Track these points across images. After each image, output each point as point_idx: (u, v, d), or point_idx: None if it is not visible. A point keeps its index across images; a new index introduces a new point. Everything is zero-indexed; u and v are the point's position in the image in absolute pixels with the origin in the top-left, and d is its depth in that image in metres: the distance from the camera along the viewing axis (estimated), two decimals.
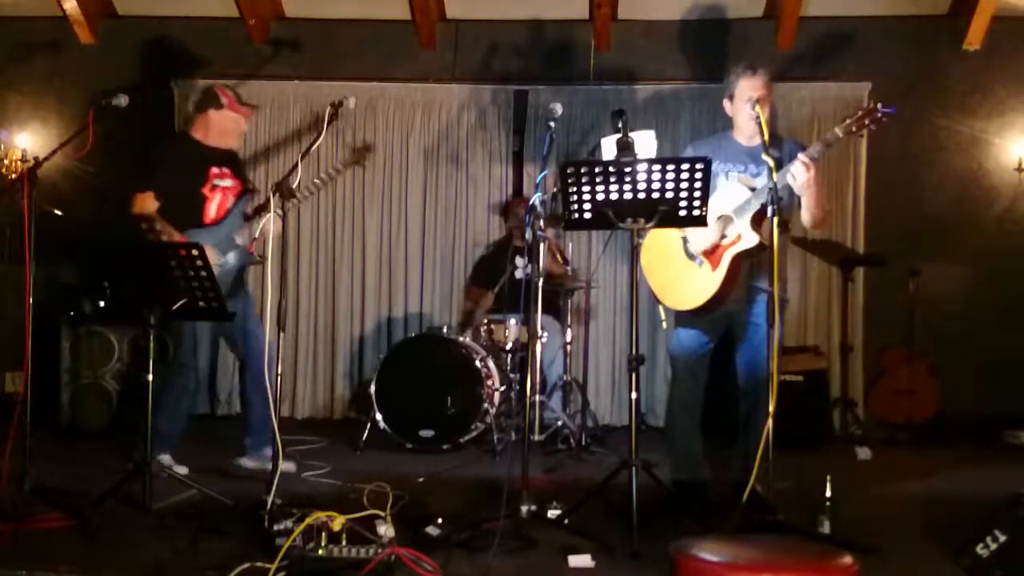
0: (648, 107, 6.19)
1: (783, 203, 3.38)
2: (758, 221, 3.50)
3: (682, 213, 3.25)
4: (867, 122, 3.38)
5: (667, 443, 3.93)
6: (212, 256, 3.66)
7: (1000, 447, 5.41)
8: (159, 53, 6.36)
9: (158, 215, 4.07)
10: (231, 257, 4.14)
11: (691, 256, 3.67)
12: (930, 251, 5.99)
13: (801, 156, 3.44)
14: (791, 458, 3.63)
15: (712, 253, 3.60)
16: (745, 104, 3.59)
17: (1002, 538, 2.76)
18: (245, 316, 4.27)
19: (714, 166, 3.62)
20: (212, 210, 4.19)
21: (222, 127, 4.27)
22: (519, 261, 4.77)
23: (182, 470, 4.07)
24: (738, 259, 3.56)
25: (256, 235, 4.04)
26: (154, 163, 4.23)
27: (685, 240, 3.69)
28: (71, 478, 3.83)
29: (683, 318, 3.80)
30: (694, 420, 3.83)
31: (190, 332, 4.13)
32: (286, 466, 3.87)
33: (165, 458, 4.06)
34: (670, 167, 3.17)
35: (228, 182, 4.27)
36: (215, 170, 4.23)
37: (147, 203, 4.08)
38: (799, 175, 3.43)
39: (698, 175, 3.17)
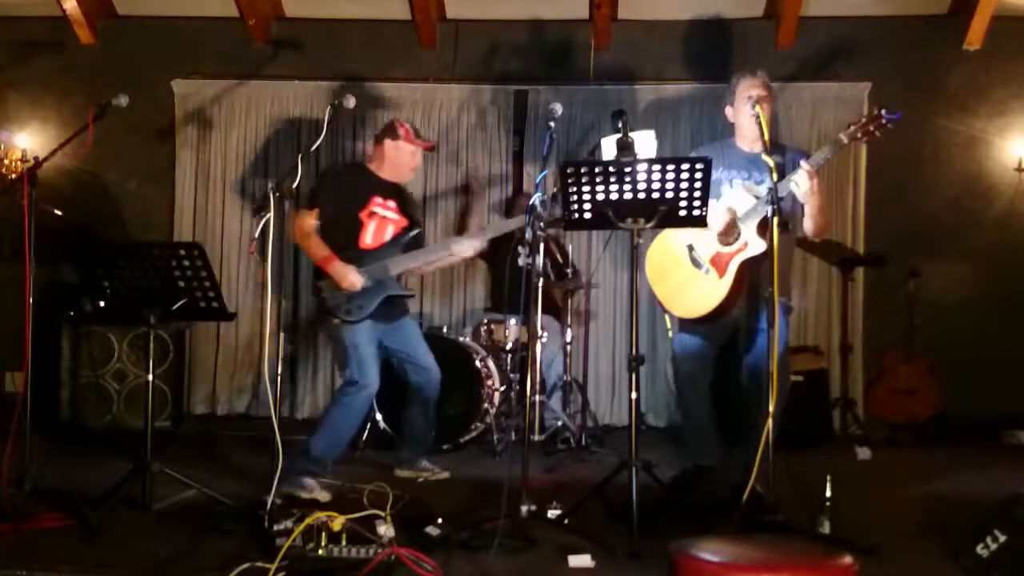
0: (648, 107, 6.19)
1: (786, 208, 3.39)
2: (764, 228, 3.49)
3: (682, 213, 3.25)
4: (872, 128, 3.38)
5: (679, 436, 3.99)
6: (355, 278, 3.92)
7: (1000, 447, 5.41)
8: (159, 53, 6.36)
9: (314, 233, 4.04)
10: (374, 283, 4.03)
11: (697, 264, 3.66)
12: (930, 251, 5.99)
13: (804, 164, 3.43)
14: (791, 458, 3.63)
15: (719, 261, 3.59)
16: (746, 104, 3.59)
17: (1002, 538, 2.76)
18: (410, 343, 4.26)
19: (717, 174, 3.63)
20: (368, 236, 4.14)
21: (396, 160, 4.20)
22: (521, 250, 4.77)
23: (324, 496, 3.75)
24: (745, 266, 3.56)
25: (257, 235, 4.03)
26: (320, 186, 4.20)
27: (691, 248, 3.67)
28: (71, 478, 3.83)
29: (686, 324, 3.80)
30: (701, 416, 3.83)
31: (353, 347, 3.99)
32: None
33: (308, 482, 3.80)
34: (670, 167, 3.17)
35: (392, 214, 4.21)
36: (378, 199, 4.17)
37: (306, 221, 4.05)
38: (802, 183, 3.43)
39: (698, 175, 3.17)
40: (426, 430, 4.42)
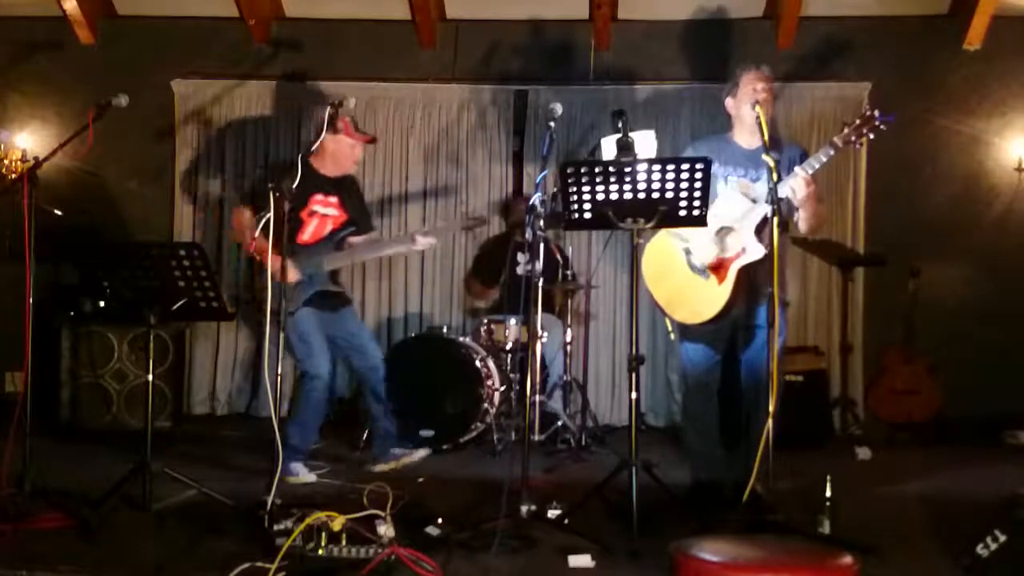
0: (648, 107, 6.19)
1: (783, 208, 3.38)
2: (761, 231, 3.48)
3: (682, 213, 3.25)
4: (865, 131, 3.38)
5: (686, 448, 3.99)
6: (292, 273, 4.00)
7: (1000, 447, 5.41)
8: (159, 53, 6.36)
9: (251, 228, 4.12)
10: (307, 277, 4.20)
11: (695, 269, 3.66)
12: (930, 251, 5.99)
13: (800, 171, 3.43)
14: (791, 458, 3.63)
15: (718, 267, 3.59)
16: (748, 98, 3.59)
17: (1002, 538, 2.76)
18: (351, 330, 4.41)
19: (714, 169, 3.62)
20: (306, 234, 4.27)
21: (337, 153, 4.31)
22: (520, 257, 4.78)
23: (311, 477, 4.17)
24: (744, 271, 3.55)
25: (257, 233, 4.04)
26: (260, 181, 4.37)
27: (688, 252, 3.66)
28: (71, 478, 3.83)
29: (689, 330, 3.79)
30: (709, 427, 3.83)
31: (298, 337, 4.16)
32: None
33: (296, 467, 4.15)
34: (670, 167, 3.17)
35: (332, 211, 4.34)
36: (319, 196, 4.29)
37: (245, 216, 4.27)
38: (799, 190, 3.44)
39: (698, 175, 3.17)
40: (387, 419, 4.52)
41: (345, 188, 4.40)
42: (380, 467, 4.42)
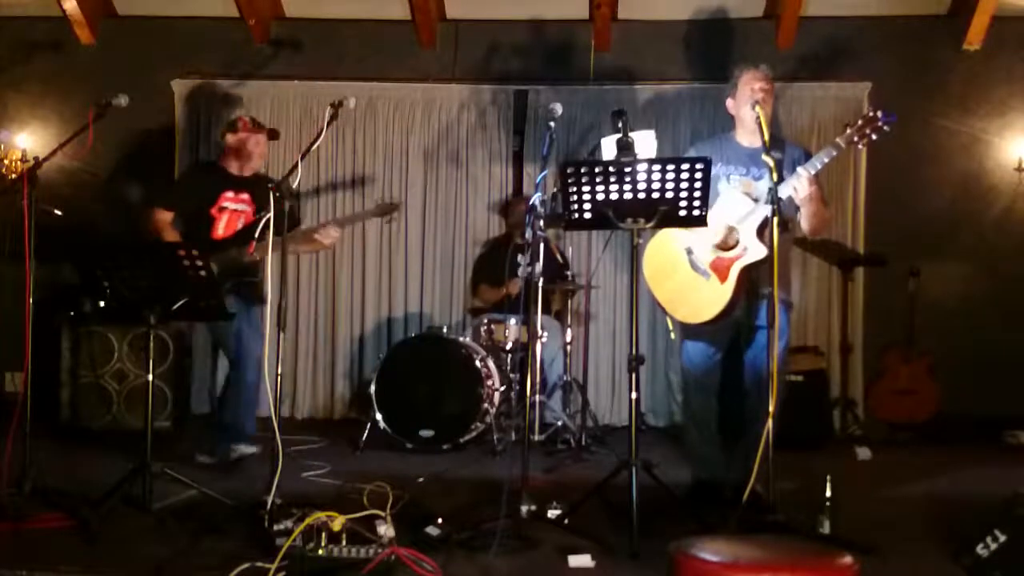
0: (648, 107, 6.19)
1: (785, 208, 3.38)
2: (763, 232, 3.48)
3: (682, 213, 3.25)
4: (868, 131, 3.38)
5: (687, 448, 3.99)
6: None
7: (1000, 447, 5.41)
8: (159, 53, 6.36)
9: (169, 226, 4.46)
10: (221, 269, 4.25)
11: (697, 269, 3.65)
12: (930, 251, 5.99)
13: (802, 171, 3.43)
14: (791, 458, 3.63)
15: (719, 266, 3.59)
16: (747, 98, 3.60)
17: (1002, 538, 2.76)
18: (251, 326, 4.44)
19: (715, 169, 3.62)
20: (219, 229, 4.46)
21: (240, 151, 4.51)
22: (521, 259, 4.78)
23: (253, 448, 4.42)
24: (746, 271, 3.55)
25: (256, 235, 4.06)
26: (174, 188, 4.70)
27: (690, 251, 3.66)
28: (71, 478, 3.83)
29: (690, 329, 3.79)
30: (709, 427, 3.84)
31: (225, 328, 4.33)
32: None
33: (238, 446, 4.40)
34: (670, 167, 3.17)
35: (243, 207, 4.50)
36: (229, 194, 4.47)
37: (159, 216, 4.48)
38: (801, 189, 3.44)
39: (698, 175, 3.17)
40: (239, 414, 4.48)
41: (260, 185, 4.46)
42: (204, 458, 4.47)
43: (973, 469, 4.69)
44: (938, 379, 5.78)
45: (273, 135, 4.69)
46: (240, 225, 4.47)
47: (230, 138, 4.52)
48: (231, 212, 4.48)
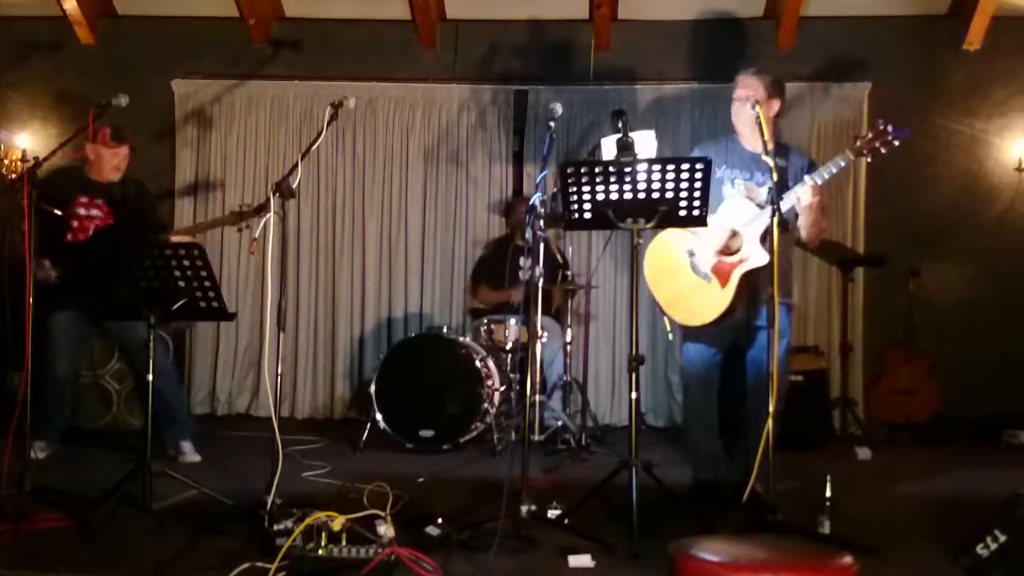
0: (648, 107, 6.19)
1: (788, 215, 3.39)
2: (766, 238, 3.47)
3: (682, 213, 3.25)
4: (877, 145, 3.39)
5: (688, 447, 4.00)
6: (45, 272, 4.21)
7: (1000, 447, 5.41)
8: (159, 53, 6.36)
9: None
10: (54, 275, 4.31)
11: (698, 272, 3.65)
12: (930, 251, 5.99)
13: (808, 180, 3.44)
14: (791, 458, 3.63)
15: (721, 271, 3.59)
16: (742, 104, 3.60)
17: (1002, 538, 2.76)
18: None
19: (720, 172, 3.63)
20: (71, 232, 4.48)
21: (98, 161, 4.55)
22: (522, 261, 4.78)
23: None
24: (747, 276, 3.55)
25: (256, 235, 4.04)
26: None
27: (691, 254, 3.66)
28: (71, 478, 3.82)
29: (690, 331, 3.79)
30: (709, 427, 3.85)
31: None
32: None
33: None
34: (670, 167, 3.17)
35: (96, 212, 4.52)
36: (83, 199, 4.50)
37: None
38: (805, 198, 3.45)
39: (698, 175, 3.16)
40: (176, 412, 4.63)
41: (115, 193, 4.56)
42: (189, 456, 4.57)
43: (973, 469, 4.69)
44: (938, 379, 5.78)
45: (130, 149, 4.66)
46: (90, 233, 4.47)
47: (89, 148, 4.54)
48: (82, 218, 4.48)
